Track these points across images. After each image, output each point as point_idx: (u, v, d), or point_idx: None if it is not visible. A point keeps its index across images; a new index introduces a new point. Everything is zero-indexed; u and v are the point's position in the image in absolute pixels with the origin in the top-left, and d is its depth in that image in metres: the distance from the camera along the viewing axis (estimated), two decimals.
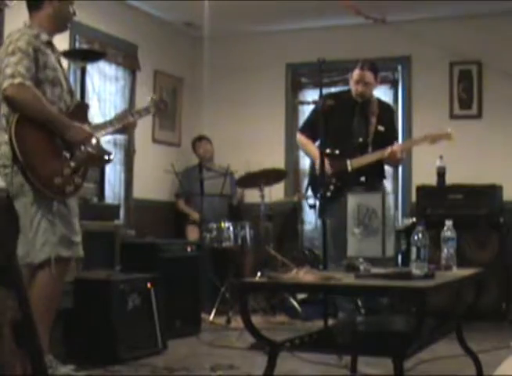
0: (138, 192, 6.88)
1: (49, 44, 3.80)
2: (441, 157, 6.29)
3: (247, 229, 6.23)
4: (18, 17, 5.28)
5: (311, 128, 5.32)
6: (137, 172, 6.86)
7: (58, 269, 3.63)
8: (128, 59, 6.76)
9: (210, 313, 5.74)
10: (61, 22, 3.89)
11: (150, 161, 7.01)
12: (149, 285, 4.50)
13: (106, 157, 4.01)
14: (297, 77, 7.56)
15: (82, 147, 3.78)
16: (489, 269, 4.74)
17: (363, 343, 3.10)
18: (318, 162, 4.94)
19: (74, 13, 3.92)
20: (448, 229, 3.54)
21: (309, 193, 5.62)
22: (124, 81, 6.81)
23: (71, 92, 3.93)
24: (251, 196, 6.61)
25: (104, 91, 6.50)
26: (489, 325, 5.66)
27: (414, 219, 5.91)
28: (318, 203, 5.29)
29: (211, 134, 7.35)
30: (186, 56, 7.72)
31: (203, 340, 5.02)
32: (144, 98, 6.80)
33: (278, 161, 7.30)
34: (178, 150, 7.49)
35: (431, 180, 6.33)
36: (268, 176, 6.15)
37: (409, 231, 4.69)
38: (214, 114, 7.58)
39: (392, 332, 3.42)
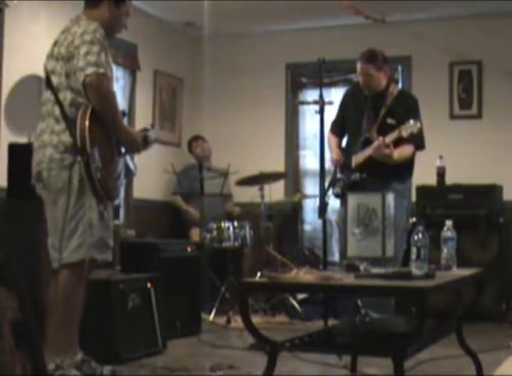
0: (138, 192, 6.87)
1: None
2: (441, 157, 6.30)
3: (247, 229, 6.23)
4: (18, 17, 5.31)
5: (336, 125, 5.27)
6: (137, 172, 6.84)
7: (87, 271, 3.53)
8: (128, 59, 6.75)
9: (210, 313, 5.74)
10: (112, 29, 3.70)
11: (150, 161, 6.99)
12: (149, 285, 4.50)
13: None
14: (297, 77, 7.55)
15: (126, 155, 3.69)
16: (489, 269, 4.73)
17: (363, 343, 3.10)
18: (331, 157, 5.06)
19: (126, 27, 3.76)
20: (448, 229, 3.54)
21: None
22: (124, 81, 6.81)
23: None
24: (251, 196, 6.59)
25: None
26: (489, 325, 5.67)
27: (414, 219, 5.91)
28: (336, 199, 5.21)
29: (211, 134, 7.34)
30: (186, 56, 7.72)
31: (203, 340, 5.01)
32: (144, 97, 6.91)
33: (278, 161, 7.31)
34: (178, 150, 7.49)
35: (431, 180, 6.33)
36: (267, 178, 6.19)
37: (409, 231, 4.68)
38: (214, 114, 7.57)
39: (392, 332, 3.41)
